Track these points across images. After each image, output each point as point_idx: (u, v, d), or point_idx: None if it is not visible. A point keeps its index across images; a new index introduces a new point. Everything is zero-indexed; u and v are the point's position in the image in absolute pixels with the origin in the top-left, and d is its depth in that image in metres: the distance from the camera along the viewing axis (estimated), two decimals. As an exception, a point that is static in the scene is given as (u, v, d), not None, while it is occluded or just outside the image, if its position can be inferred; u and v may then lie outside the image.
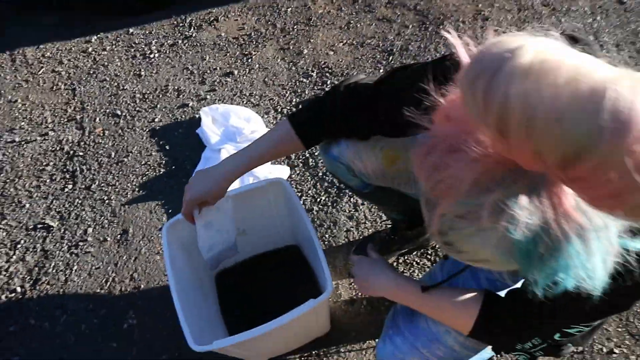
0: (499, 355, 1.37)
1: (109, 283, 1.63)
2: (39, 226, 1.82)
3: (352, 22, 2.50)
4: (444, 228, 0.49)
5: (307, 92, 2.17)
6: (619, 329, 1.42)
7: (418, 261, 1.60)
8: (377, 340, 1.45)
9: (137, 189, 1.90)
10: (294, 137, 1.00)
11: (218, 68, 2.36)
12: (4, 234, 1.81)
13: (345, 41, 2.40)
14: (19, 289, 1.64)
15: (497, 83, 0.40)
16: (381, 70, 2.23)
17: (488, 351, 1.01)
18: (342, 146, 1.06)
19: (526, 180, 0.43)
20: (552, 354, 0.81)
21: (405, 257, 1.60)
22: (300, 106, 1.04)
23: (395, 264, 1.59)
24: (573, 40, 0.61)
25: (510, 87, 0.39)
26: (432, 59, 2.29)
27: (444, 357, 0.96)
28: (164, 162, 1.98)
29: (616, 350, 1.39)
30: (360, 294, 1.54)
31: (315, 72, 2.26)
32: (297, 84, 2.22)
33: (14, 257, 1.73)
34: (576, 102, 0.36)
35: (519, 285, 0.98)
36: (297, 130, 0.99)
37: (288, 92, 2.19)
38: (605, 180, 0.37)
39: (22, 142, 2.13)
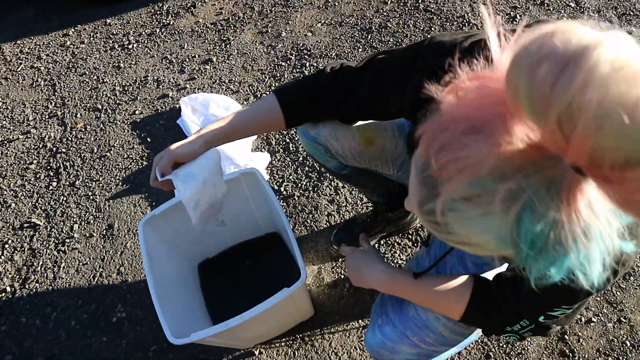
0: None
1: (96, 278, 1.66)
2: (26, 225, 1.84)
3: (329, 0, 2.47)
4: (442, 209, 0.47)
5: (286, 76, 2.16)
6: (597, 298, 1.45)
7: (399, 242, 1.62)
8: (360, 321, 1.48)
9: (120, 183, 1.91)
10: (278, 114, 0.98)
11: (197, 56, 2.34)
12: (-8, 234, 1.83)
13: (323, 21, 2.37)
14: (8, 289, 1.67)
15: (569, 77, 0.36)
16: (360, 50, 2.20)
17: (475, 334, 1.02)
18: (319, 127, 1.07)
19: (546, 173, 0.41)
20: (540, 334, 0.82)
21: (387, 239, 1.62)
22: (288, 83, 1.00)
23: (377, 245, 1.61)
24: None
25: (588, 87, 0.35)
26: (411, 35, 2.25)
27: (433, 343, 0.97)
28: (146, 154, 1.98)
29: (594, 319, 1.41)
30: (342, 276, 1.56)
31: (294, 55, 2.24)
32: (276, 68, 2.21)
33: (2, 257, 1.75)
34: None
35: (504, 268, 0.99)
36: (283, 107, 0.98)
37: (267, 77, 2.17)
38: None
39: (5, 142, 2.13)
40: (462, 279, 0.87)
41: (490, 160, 0.42)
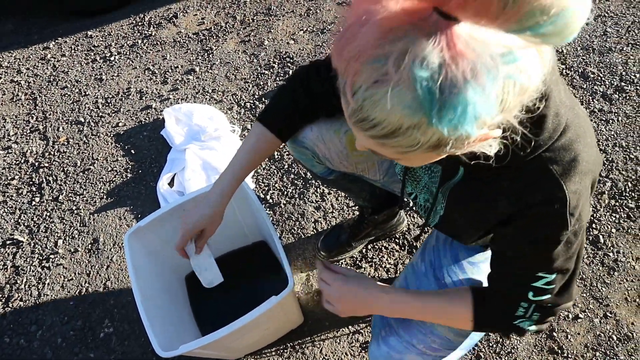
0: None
1: (82, 294, 1.64)
2: (8, 242, 1.81)
3: (311, 8, 2.48)
4: (359, 103, 0.51)
5: (269, 84, 2.16)
6: (584, 295, 1.47)
7: (387, 246, 1.62)
8: (350, 327, 1.48)
9: (105, 197, 1.89)
10: (268, 135, 0.99)
11: (179, 66, 2.33)
12: (-26, 252, 1.80)
13: (305, 29, 2.39)
14: (-8, 307, 1.64)
15: None
16: (342, 56, 2.22)
17: (478, 335, 1.02)
18: (306, 131, 1.07)
19: (423, 26, 0.46)
20: (549, 314, 0.81)
21: (374, 243, 1.62)
22: (266, 105, 1.03)
23: (364, 250, 1.61)
24: None
25: None
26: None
27: (439, 348, 0.96)
28: (130, 166, 1.97)
29: (581, 315, 1.43)
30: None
31: (277, 63, 2.24)
32: (260, 76, 2.21)
33: (-15, 275, 1.72)
34: None
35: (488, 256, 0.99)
36: (270, 126, 0.99)
37: (250, 86, 2.17)
38: None
39: (-15, 158, 2.10)
40: (460, 290, 0.89)
41: (375, 35, 0.47)
